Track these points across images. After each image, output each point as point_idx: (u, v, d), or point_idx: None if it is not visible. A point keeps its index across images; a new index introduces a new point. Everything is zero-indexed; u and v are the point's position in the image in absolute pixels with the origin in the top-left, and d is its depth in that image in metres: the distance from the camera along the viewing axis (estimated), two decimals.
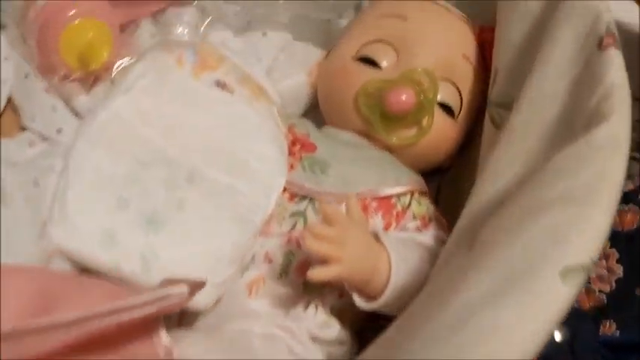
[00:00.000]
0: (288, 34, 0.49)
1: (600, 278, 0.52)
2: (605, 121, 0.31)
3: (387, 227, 0.42)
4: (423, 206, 0.44)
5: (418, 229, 0.43)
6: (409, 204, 0.43)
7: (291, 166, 0.42)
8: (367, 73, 0.45)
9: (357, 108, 0.44)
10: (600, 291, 0.51)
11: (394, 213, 0.42)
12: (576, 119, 0.34)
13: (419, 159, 0.46)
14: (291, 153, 0.43)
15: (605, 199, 0.28)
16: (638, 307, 0.47)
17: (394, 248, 0.38)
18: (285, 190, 0.41)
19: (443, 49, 0.46)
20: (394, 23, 0.47)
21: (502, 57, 0.44)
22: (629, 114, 0.31)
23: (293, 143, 0.44)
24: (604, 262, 0.53)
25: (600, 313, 0.47)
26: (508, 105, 0.40)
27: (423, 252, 0.40)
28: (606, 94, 0.32)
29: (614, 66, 0.34)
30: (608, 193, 0.28)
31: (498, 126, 0.41)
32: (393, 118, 0.43)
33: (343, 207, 0.40)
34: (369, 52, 0.46)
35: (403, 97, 0.42)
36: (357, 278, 0.36)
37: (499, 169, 0.37)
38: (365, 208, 0.41)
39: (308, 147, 0.43)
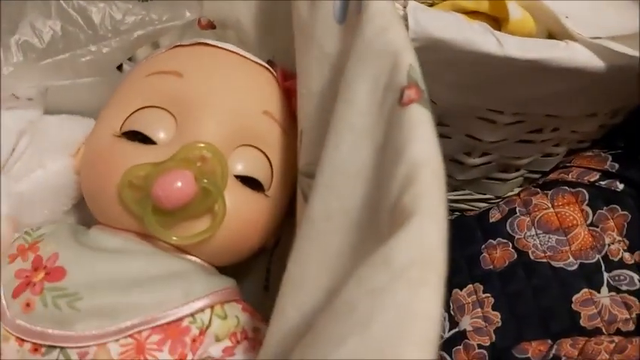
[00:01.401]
0: (35, 106, 0.37)
1: (477, 331, 0.44)
2: (406, 224, 0.22)
3: None
4: (230, 320, 0.33)
5: (226, 355, 0.32)
6: (209, 323, 0.33)
7: (27, 305, 0.31)
8: (135, 154, 0.34)
9: (123, 204, 0.33)
10: (480, 345, 0.44)
11: (188, 341, 0.32)
12: (381, 212, 0.25)
13: (225, 252, 0.36)
14: (29, 284, 0.31)
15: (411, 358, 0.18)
16: None
17: None
18: (23, 340, 0.30)
19: (234, 108, 0.36)
20: (168, 83, 0.36)
21: (304, 112, 0.34)
22: (440, 206, 0.22)
23: (35, 269, 0.32)
24: (479, 310, 0.45)
25: None
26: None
27: None
28: (408, 178, 0.23)
29: (418, 132, 0.24)
30: (416, 349, 0.19)
31: None
32: (170, 213, 0.32)
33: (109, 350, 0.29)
34: (136, 123, 0.35)
35: (177, 185, 0.31)
36: None
37: (303, 280, 0.27)
38: (140, 349, 0.30)
39: (53, 274, 0.32)
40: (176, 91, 0.35)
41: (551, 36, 0.41)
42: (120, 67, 0.44)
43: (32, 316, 0.30)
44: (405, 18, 0.37)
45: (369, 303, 0.20)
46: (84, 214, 0.38)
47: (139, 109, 0.35)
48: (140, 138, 0.34)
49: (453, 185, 0.56)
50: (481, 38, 0.37)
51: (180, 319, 0.32)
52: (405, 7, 0.37)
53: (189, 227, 0.33)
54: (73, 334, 0.30)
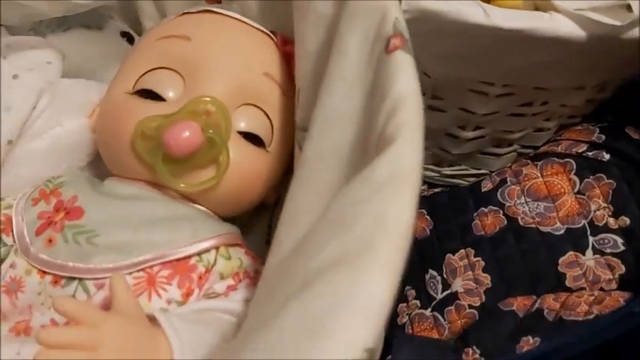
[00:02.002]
0: (53, 69, 0.40)
1: (469, 292, 0.46)
2: (387, 148, 0.24)
3: (187, 297, 0.34)
4: (233, 261, 0.36)
5: (229, 291, 0.35)
6: (214, 262, 0.35)
7: (50, 241, 0.33)
8: (146, 109, 0.36)
9: (136, 154, 0.36)
10: (471, 306, 0.46)
11: (194, 277, 0.34)
12: (369, 145, 0.27)
13: (228, 202, 0.38)
14: (51, 223, 0.34)
15: (384, 254, 0.21)
16: (504, 323, 0.41)
17: (177, 331, 0.29)
18: (44, 272, 0.32)
19: (237, 69, 0.38)
20: (177, 46, 0.38)
21: (301, 72, 0.37)
22: (417, 133, 0.25)
23: (56, 210, 0.35)
24: (470, 273, 0.47)
25: (461, 339, 0.41)
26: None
27: (225, 325, 0.32)
28: (392, 111, 0.26)
29: (402, 73, 0.27)
30: (389, 243, 0.21)
31: None
32: (178, 161, 0.35)
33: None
34: (148, 82, 0.38)
35: (185, 135, 0.34)
36: None
37: (297, 213, 0.30)
38: (151, 281, 0.33)
39: (73, 213, 0.34)
40: (184, 54, 0.38)
41: (537, 9, 0.43)
42: (130, 40, 0.46)
43: (54, 251, 0.33)
44: None
45: (351, 212, 0.23)
46: (99, 170, 0.41)
47: (150, 70, 0.38)
48: (151, 95, 0.37)
49: (449, 160, 0.58)
50: (469, 9, 0.39)
51: (189, 257, 0.34)
52: None
53: (196, 176, 0.36)
54: (91, 266, 0.32)
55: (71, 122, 0.39)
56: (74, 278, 0.33)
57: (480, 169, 0.58)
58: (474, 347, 0.40)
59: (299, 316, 0.20)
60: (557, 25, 0.40)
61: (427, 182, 0.60)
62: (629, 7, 0.39)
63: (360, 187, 0.23)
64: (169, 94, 0.37)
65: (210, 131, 0.35)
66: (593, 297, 0.39)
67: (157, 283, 0.33)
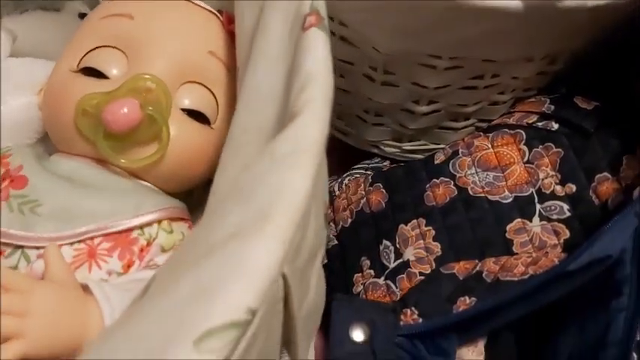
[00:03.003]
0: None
1: (420, 260, 0.48)
2: (292, 123, 0.25)
3: (127, 268, 0.35)
4: (175, 235, 0.37)
5: None
6: (156, 235, 0.37)
7: None
8: (89, 87, 0.38)
9: (78, 130, 0.38)
10: (421, 273, 0.47)
11: (136, 250, 0.36)
12: (283, 121, 0.28)
13: (172, 178, 0.40)
14: None
15: (277, 224, 0.22)
16: (443, 286, 0.43)
17: (108, 298, 0.31)
18: None
19: (180, 47, 0.40)
20: (120, 24, 0.40)
21: (240, 50, 0.38)
22: (323, 108, 0.26)
23: (3, 179, 0.36)
24: (421, 242, 0.49)
25: (401, 301, 0.43)
26: None
27: None
28: (301, 88, 0.27)
29: (314, 50, 0.28)
30: (284, 214, 0.23)
31: None
32: (119, 138, 0.36)
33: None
34: (92, 61, 0.39)
35: (124, 111, 0.35)
36: (56, 348, 0.29)
37: (221, 189, 0.31)
38: (92, 253, 0.34)
39: (17, 182, 0.36)
40: (127, 32, 0.39)
41: None
42: (82, 16, 0.47)
43: None
44: None
45: (252, 184, 0.24)
46: (48, 147, 0.42)
47: (94, 49, 0.39)
48: (95, 73, 0.39)
49: (408, 135, 0.59)
50: None
51: (130, 230, 0.36)
52: None
53: (137, 152, 0.38)
54: (33, 234, 0.34)
55: (16, 100, 0.40)
56: (17, 247, 0.34)
57: (439, 144, 0.59)
58: (413, 308, 0.41)
59: (192, 283, 0.21)
60: None
61: (389, 158, 0.61)
62: None
63: (263, 160, 0.25)
64: (112, 72, 0.39)
65: (150, 108, 0.36)
66: (531, 258, 0.41)
67: (98, 255, 0.35)
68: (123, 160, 0.37)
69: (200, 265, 0.22)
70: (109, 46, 0.39)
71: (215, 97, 0.40)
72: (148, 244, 0.36)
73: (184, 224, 0.39)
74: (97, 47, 0.39)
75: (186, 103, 0.39)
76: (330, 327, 0.40)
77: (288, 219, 0.22)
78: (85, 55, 0.39)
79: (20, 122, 0.40)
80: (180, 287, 0.22)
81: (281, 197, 0.23)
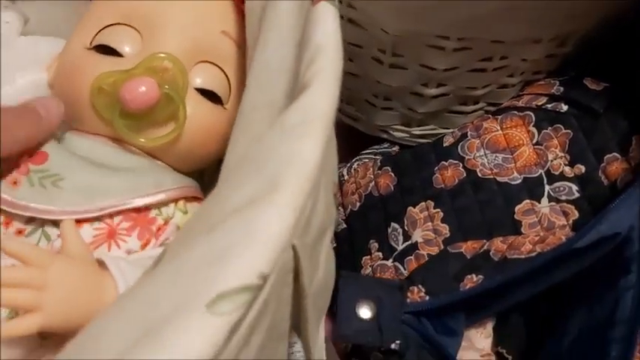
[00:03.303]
0: (10, 27, 0.41)
1: (428, 242, 0.48)
2: (302, 94, 0.26)
3: (145, 247, 0.36)
4: (189, 215, 0.38)
5: None
6: (172, 215, 0.37)
7: (15, 183, 0.35)
8: (104, 65, 0.37)
9: (94, 109, 0.37)
10: (429, 255, 0.48)
11: (154, 229, 0.36)
12: (294, 93, 0.29)
13: (187, 157, 0.40)
14: (16, 166, 0.35)
15: (287, 192, 0.22)
16: (451, 264, 0.43)
17: (123, 273, 0.31)
18: (8, 223, 0.34)
19: (195, 27, 0.40)
20: (134, 2, 0.39)
21: (250, 29, 0.38)
22: (333, 79, 0.26)
23: (20, 154, 0.36)
24: (430, 224, 0.49)
25: (408, 280, 0.43)
26: None
27: None
28: (311, 60, 0.27)
29: (323, 23, 0.28)
30: (294, 182, 0.23)
31: None
32: (136, 116, 0.36)
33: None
34: (106, 38, 0.39)
35: (141, 90, 0.35)
36: (72, 322, 0.30)
37: (231, 166, 0.31)
38: (112, 234, 0.35)
39: (37, 157, 0.36)
40: (141, 10, 0.39)
41: None
42: None
43: (18, 192, 0.34)
44: None
45: (263, 154, 0.24)
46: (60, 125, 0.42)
47: (107, 26, 0.39)
48: (109, 51, 0.38)
49: (417, 120, 0.59)
50: None
51: (148, 209, 0.36)
52: None
53: (154, 131, 0.38)
54: (54, 208, 0.34)
55: (23, 79, 0.40)
56: (38, 227, 0.34)
57: (448, 129, 0.59)
58: (420, 286, 0.41)
59: (205, 249, 0.22)
60: None
61: (398, 143, 0.61)
62: None
63: (273, 131, 0.25)
64: (126, 50, 0.38)
65: (167, 87, 0.36)
66: (538, 237, 0.41)
67: (118, 235, 0.35)
68: (142, 140, 0.37)
69: (213, 232, 0.22)
70: (122, 24, 0.39)
71: (227, 77, 0.41)
72: (165, 223, 0.36)
73: (198, 205, 0.39)
74: (110, 25, 0.39)
75: (199, 83, 0.39)
76: (337, 305, 0.40)
77: (298, 187, 0.23)
78: (98, 33, 0.39)
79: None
80: (192, 253, 0.22)
81: (291, 166, 0.23)
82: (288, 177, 0.23)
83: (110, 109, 0.37)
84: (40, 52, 0.41)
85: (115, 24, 0.39)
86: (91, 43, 0.39)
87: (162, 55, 0.37)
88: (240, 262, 0.20)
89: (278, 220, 0.22)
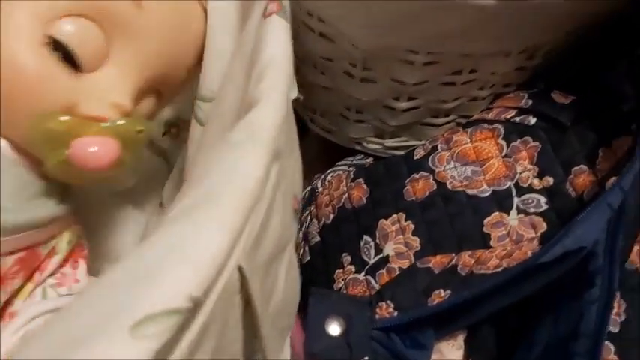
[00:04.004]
0: None
1: (399, 255, 0.48)
2: (250, 111, 0.26)
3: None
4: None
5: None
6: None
7: None
8: (57, 79, 0.30)
9: (29, 134, 0.30)
10: (400, 268, 0.47)
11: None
12: (240, 110, 0.29)
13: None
14: None
15: (224, 208, 0.22)
16: (419, 279, 0.43)
17: None
18: None
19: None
20: None
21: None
22: (280, 96, 0.26)
23: None
24: (401, 237, 0.49)
25: (377, 295, 0.43)
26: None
27: None
28: (259, 77, 0.27)
29: (273, 37, 0.28)
30: (234, 198, 0.23)
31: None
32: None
33: None
34: (62, 33, 0.30)
35: (98, 152, 0.30)
36: None
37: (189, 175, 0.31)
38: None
39: None
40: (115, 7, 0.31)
41: None
42: None
43: None
44: None
45: (208, 169, 0.24)
46: None
47: (68, 15, 0.30)
48: (64, 55, 0.30)
49: (390, 132, 0.59)
50: None
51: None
52: None
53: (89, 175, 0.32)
54: None
55: None
56: None
57: (420, 140, 0.59)
58: (388, 301, 0.41)
59: (134, 264, 0.21)
60: None
61: (371, 155, 0.61)
62: None
63: (220, 146, 0.25)
64: (87, 59, 0.30)
65: (128, 154, 0.31)
66: (505, 251, 0.41)
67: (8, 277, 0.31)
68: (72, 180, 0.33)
69: (143, 247, 0.22)
70: (83, 16, 0.30)
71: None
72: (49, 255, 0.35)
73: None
74: (72, 14, 0.30)
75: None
76: (306, 321, 0.40)
77: (237, 204, 0.22)
78: (55, 21, 0.30)
79: None
80: (120, 269, 0.21)
81: (231, 182, 0.23)
82: (227, 193, 0.23)
83: (51, 153, 0.30)
84: None
85: (75, 15, 0.30)
86: (43, 35, 0.29)
87: (140, 127, 0.32)
88: (171, 284, 0.20)
89: (212, 240, 0.21)
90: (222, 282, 0.22)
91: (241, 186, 0.23)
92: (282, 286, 0.33)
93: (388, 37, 0.47)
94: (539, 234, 0.45)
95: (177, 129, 0.49)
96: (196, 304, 0.20)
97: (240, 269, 0.23)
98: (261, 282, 0.28)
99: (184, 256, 0.20)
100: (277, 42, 0.28)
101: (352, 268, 0.50)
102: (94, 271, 0.37)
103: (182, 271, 0.20)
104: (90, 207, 0.43)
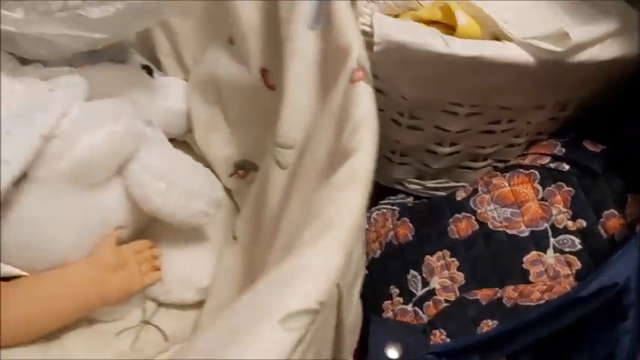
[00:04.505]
0: (81, 89, 0.46)
1: (445, 288, 0.52)
2: (350, 158, 0.31)
3: None
4: None
5: None
6: None
7: None
8: None
9: None
10: (447, 300, 0.52)
11: None
12: (335, 158, 0.34)
13: None
14: None
15: (338, 234, 0.27)
16: (468, 310, 0.47)
17: None
18: None
19: None
20: None
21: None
22: (373, 147, 0.32)
23: None
24: (446, 272, 0.53)
25: (430, 324, 0.47)
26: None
27: None
28: (353, 130, 0.32)
29: (362, 99, 0.34)
30: (344, 226, 0.28)
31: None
32: None
33: None
34: None
35: None
36: None
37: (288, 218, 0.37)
38: None
39: None
40: None
41: (495, 38, 0.50)
42: (150, 73, 0.54)
43: None
44: (371, 26, 0.46)
45: (320, 206, 0.29)
46: None
47: None
48: None
49: (431, 174, 0.64)
50: (431, 40, 0.46)
51: None
52: (371, 17, 0.47)
53: None
54: None
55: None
56: None
57: (459, 182, 0.64)
58: (441, 329, 0.46)
59: (275, 275, 0.26)
60: (509, 52, 0.47)
61: (412, 194, 0.66)
62: (568, 36, 0.46)
63: (326, 188, 0.30)
64: None
65: None
66: (546, 286, 0.45)
67: None
68: None
69: (280, 266, 0.27)
70: None
71: None
72: None
73: None
74: None
75: None
76: (368, 346, 0.44)
77: (348, 232, 0.28)
78: None
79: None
80: (262, 282, 0.27)
81: (342, 214, 0.28)
82: (342, 223, 0.28)
83: None
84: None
85: None
86: None
87: None
88: (305, 289, 0.25)
89: (334, 258, 0.27)
90: (332, 293, 0.27)
91: (351, 218, 0.28)
92: (354, 309, 0.38)
93: (435, 91, 0.52)
94: (574, 271, 0.49)
95: (245, 171, 0.54)
96: (322, 309, 0.25)
97: (338, 286, 0.28)
98: (347, 301, 0.33)
99: (316, 269, 0.26)
100: (366, 103, 0.33)
101: (400, 299, 0.54)
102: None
103: (314, 281, 0.25)
104: (168, 232, 0.49)
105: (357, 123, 0.32)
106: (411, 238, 0.57)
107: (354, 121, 0.33)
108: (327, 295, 0.25)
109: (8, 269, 0.43)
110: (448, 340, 0.45)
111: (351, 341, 0.40)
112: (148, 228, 0.50)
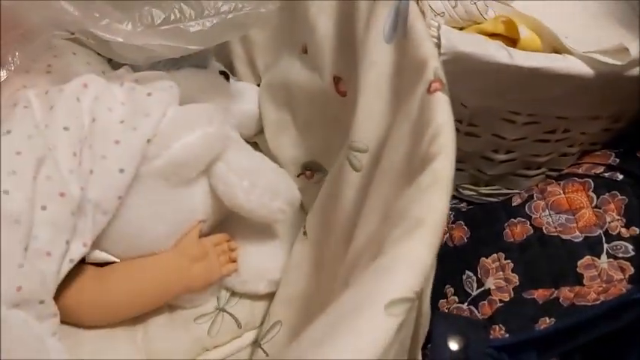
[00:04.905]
0: (175, 91, 0.49)
1: (499, 289, 0.55)
2: (432, 162, 0.34)
3: None
4: None
5: None
6: None
7: None
8: None
9: None
10: (501, 300, 0.54)
11: None
12: (414, 162, 0.37)
13: None
14: None
15: (428, 229, 0.30)
16: (526, 308, 0.50)
17: None
18: None
19: None
20: None
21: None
22: (453, 151, 0.34)
23: None
24: (501, 273, 0.56)
25: (490, 320, 0.50)
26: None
27: None
28: (434, 136, 0.35)
29: (440, 108, 0.37)
30: (433, 222, 0.31)
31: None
32: None
33: None
34: None
35: None
36: None
37: (369, 215, 0.40)
38: None
39: None
40: None
41: (555, 52, 0.52)
42: (226, 78, 0.58)
43: None
44: (438, 38, 0.49)
45: (409, 207, 0.32)
46: None
47: None
48: None
49: (485, 180, 0.67)
50: (495, 51, 0.49)
51: None
52: (438, 29, 0.50)
53: None
54: None
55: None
56: None
57: (512, 189, 0.66)
58: (500, 325, 0.48)
59: (375, 268, 0.30)
60: (569, 64, 0.49)
61: (466, 200, 0.69)
62: (628, 51, 0.48)
63: (413, 190, 0.33)
64: None
65: None
66: (602, 288, 0.48)
67: None
68: None
69: (379, 259, 0.30)
70: None
71: None
72: None
73: None
74: None
75: None
76: (431, 338, 0.47)
77: (435, 227, 0.31)
78: None
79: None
80: (363, 271, 0.30)
81: (430, 213, 0.31)
82: (430, 218, 0.31)
83: None
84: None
85: None
86: None
87: None
88: (402, 280, 0.28)
89: (423, 254, 0.30)
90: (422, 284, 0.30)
91: (436, 216, 0.31)
92: (427, 303, 0.41)
93: (495, 100, 0.55)
94: (627, 276, 0.51)
95: (312, 172, 0.58)
96: (416, 298, 0.28)
97: None
98: (425, 294, 0.36)
99: (411, 261, 0.29)
100: (445, 112, 0.36)
101: (455, 298, 0.57)
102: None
103: (411, 272, 0.28)
104: (243, 227, 0.53)
105: (438, 129, 0.35)
106: (466, 240, 0.60)
107: (434, 127, 0.35)
108: (420, 286, 0.28)
109: (103, 256, 0.47)
110: (507, 335, 0.47)
111: (423, 334, 0.43)
112: (225, 223, 0.54)
